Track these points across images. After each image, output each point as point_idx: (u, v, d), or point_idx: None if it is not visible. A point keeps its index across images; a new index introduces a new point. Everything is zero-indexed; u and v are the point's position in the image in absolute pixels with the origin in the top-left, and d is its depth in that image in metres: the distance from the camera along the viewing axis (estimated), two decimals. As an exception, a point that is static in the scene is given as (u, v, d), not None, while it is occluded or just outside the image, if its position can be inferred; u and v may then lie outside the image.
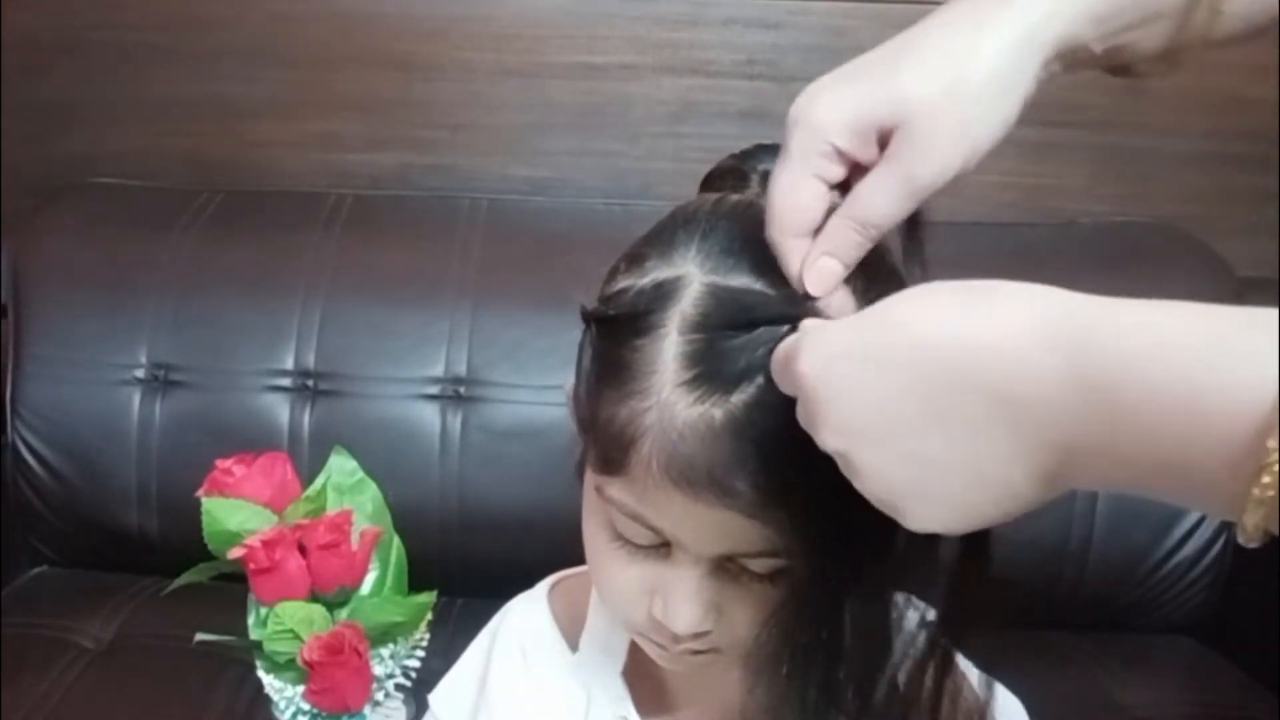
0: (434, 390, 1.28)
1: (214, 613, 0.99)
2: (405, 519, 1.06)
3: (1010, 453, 0.36)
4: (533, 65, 1.43)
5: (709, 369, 0.47)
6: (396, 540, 1.04)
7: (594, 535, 0.55)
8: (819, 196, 0.47)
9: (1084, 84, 0.58)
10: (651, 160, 1.45)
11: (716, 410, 0.47)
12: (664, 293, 0.50)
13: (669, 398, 0.48)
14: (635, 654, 0.64)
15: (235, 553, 0.93)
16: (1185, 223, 1.37)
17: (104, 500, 1.28)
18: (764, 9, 1.40)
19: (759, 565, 0.51)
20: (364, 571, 1.00)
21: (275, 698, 0.97)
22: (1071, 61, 0.48)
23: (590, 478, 0.54)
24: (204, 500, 0.96)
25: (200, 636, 0.99)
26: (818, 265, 0.47)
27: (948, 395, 0.36)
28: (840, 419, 0.39)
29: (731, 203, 0.55)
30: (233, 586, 0.97)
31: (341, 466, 1.04)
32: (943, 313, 0.37)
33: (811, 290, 0.47)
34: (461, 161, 1.46)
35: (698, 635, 0.53)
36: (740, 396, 0.47)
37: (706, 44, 1.42)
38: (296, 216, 1.36)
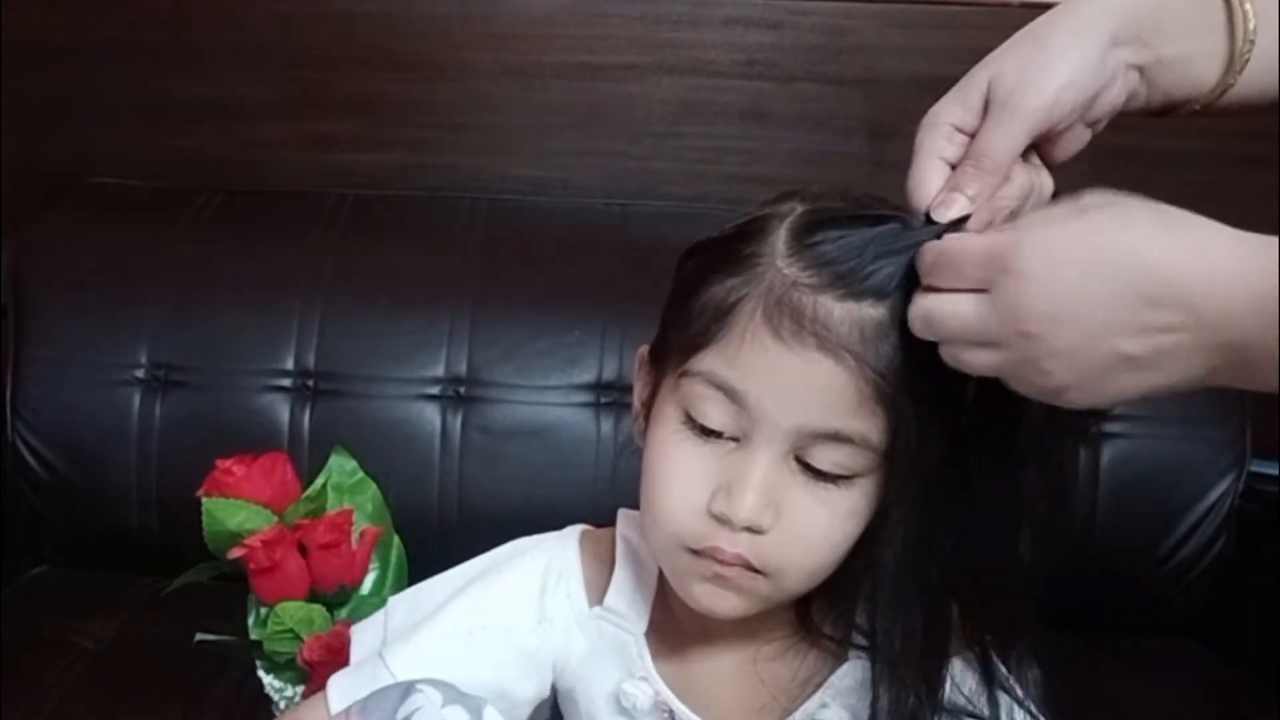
0: (434, 390, 1.28)
1: (214, 613, 0.99)
2: (405, 519, 1.06)
3: (1193, 358, 0.43)
4: (533, 65, 1.43)
5: (817, 249, 0.53)
6: (396, 540, 1.04)
7: (662, 436, 0.57)
8: (943, 174, 0.54)
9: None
10: (652, 160, 1.45)
11: (824, 271, 0.53)
12: (772, 211, 0.57)
13: (778, 264, 0.54)
14: (656, 618, 0.64)
15: (235, 553, 0.93)
16: (1185, 223, 1.37)
17: (104, 500, 1.28)
18: (764, 9, 1.40)
19: (828, 459, 0.54)
20: (364, 571, 1.00)
21: (275, 698, 0.97)
22: (1144, 63, 0.55)
23: (667, 385, 0.58)
24: (204, 500, 0.96)
25: (200, 636, 1.00)
26: (944, 195, 0.53)
27: (1155, 308, 0.43)
28: (1050, 310, 0.45)
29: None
30: (233, 586, 0.97)
31: (341, 466, 1.04)
32: (1154, 235, 0.44)
33: (936, 215, 0.53)
34: (461, 161, 1.46)
35: (754, 533, 0.54)
36: (849, 267, 0.52)
37: (706, 44, 1.42)
38: (296, 216, 1.36)
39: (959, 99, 0.55)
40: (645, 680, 0.62)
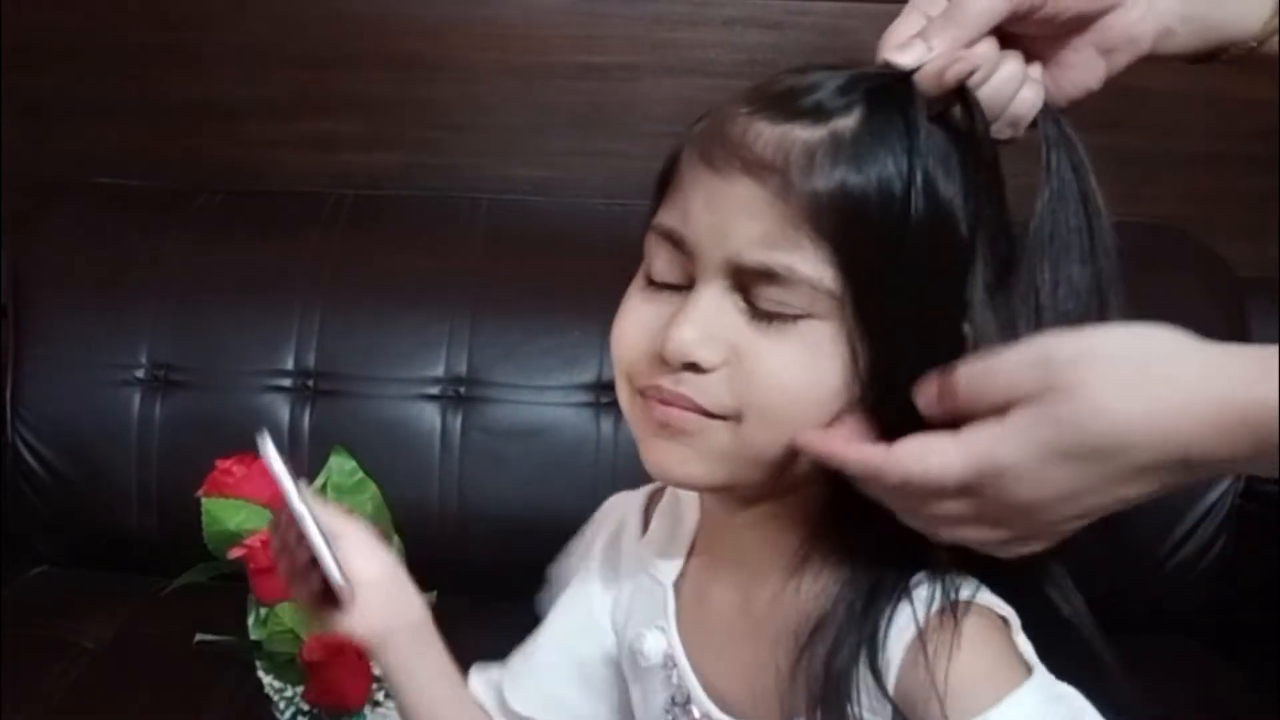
0: (434, 390, 1.28)
1: (214, 613, 0.99)
2: (405, 519, 1.06)
3: (1161, 486, 0.46)
4: (533, 65, 1.43)
5: (769, 85, 0.54)
6: (396, 540, 1.04)
7: (628, 297, 0.59)
8: (920, 26, 0.52)
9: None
10: (652, 160, 1.43)
11: (765, 98, 0.53)
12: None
13: (727, 108, 0.55)
14: (689, 570, 0.64)
15: (235, 553, 0.93)
16: (1185, 223, 1.37)
17: (104, 500, 1.28)
18: (764, 9, 1.41)
19: (770, 297, 0.51)
20: (364, 571, 1.00)
21: (275, 698, 0.97)
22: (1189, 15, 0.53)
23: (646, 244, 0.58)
24: (204, 500, 0.96)
25: (200, 636, 1.00)
26: (906, 40, 0.51)
27: (1140, 474, 0.46)
28: (1049, 515, 0.48)
29: None
30: (233, 586, 0.97)
31: (341, 466, 1.04)
32: (1132, 405, 0.44)
33: (891, 57, 0.51)
34: (461, 161, 1.46)
35: (697, 372, 0.53)
36: (789, 90, 0.53)
37: (706, 44, 1.42)
38: (296, 216, 1.36)
39: None
40: (662, 631, 0.62)
